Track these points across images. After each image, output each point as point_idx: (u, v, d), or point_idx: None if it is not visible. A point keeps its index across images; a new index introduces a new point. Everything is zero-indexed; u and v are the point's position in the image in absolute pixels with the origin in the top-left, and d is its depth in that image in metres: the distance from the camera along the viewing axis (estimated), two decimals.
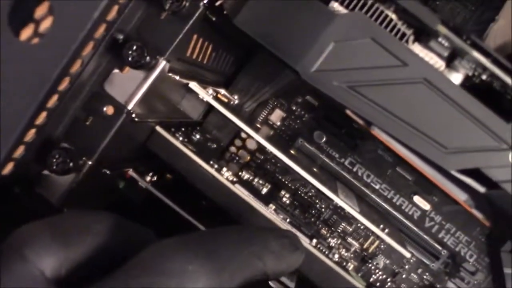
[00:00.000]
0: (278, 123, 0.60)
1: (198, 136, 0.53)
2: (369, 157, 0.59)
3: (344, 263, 0.49)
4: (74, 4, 0.33)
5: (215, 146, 0.58)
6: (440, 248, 0.58)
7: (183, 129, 0.51)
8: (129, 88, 0.39)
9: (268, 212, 0.46)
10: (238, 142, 0.60)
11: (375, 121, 0.36)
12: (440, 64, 0.38)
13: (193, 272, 0.30)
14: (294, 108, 0.60)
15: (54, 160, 0.39)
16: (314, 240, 0.48)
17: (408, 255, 0.46)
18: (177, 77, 0.43)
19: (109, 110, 0.40)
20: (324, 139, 0.59)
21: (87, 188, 0.43)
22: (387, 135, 0.36)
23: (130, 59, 0.37)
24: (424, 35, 0.39)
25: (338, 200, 0.48)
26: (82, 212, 0.34)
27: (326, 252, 0.48)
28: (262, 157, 0.60)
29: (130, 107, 0.39)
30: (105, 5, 0.32)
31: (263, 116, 0.60)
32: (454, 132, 0.36)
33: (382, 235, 0.46)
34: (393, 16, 0.38)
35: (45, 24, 0.34)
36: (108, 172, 0.44)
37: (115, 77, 0.39)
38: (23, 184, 0.41)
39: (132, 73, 0.39)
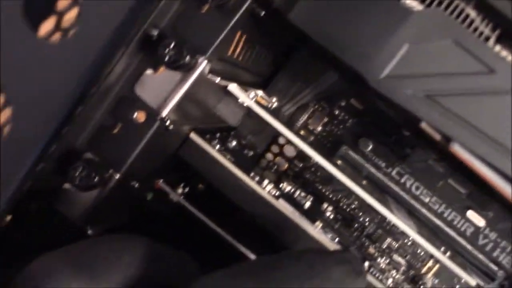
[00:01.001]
0: (319, 129, 0.54)
1: (234, 143, 0.48)
2: (419, 167, 0.54)
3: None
4: None
5: (252, 153, 0.52)
6: (496, 268, 0.52)
7: (218, 135, 0.46)
8: (164, 91, 0.34)
9: (316, 231, 0.41)
10: (275, 149, 0.54)
11: (455, 136, 0.31)
12: None
13: None
14: (337, 113, 0.54)
15: (77, 173, 0.34)
16: (366, 263, 0.42)
17: (473, 283, 0.41)
18: (218, 79, 0.38)
19: (140, 116, 0.35)
20: (370, 147, 0.53)
21: (113, 203, 0.38)
22: (469, 152, 0.31)
23: (166, 58, 0.32)
24: (507, 36, 0.33)
25: (393, 217, 0.42)
26: (110, 238, 0.29)
27: (380, 277, 0.42)
28: (301, 165, 0.55)
29: (164, 113, 0.34)
30: None
31: (302, 120, 0.54)
32: None
33: (444, 258, 0.41)
34: (473, 14, 0.32)
35: (69, 17, 0.29)
36: (136, 185, 0.39)
37: (147, 79, 0.34)
38: (41, 199, 0.36)
39: (168, 75, 0.34)
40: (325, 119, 0.54)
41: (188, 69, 0.33)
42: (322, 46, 0.33)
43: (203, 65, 0.34)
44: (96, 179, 0.34)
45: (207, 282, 0.26)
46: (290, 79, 0.54)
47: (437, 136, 0.31)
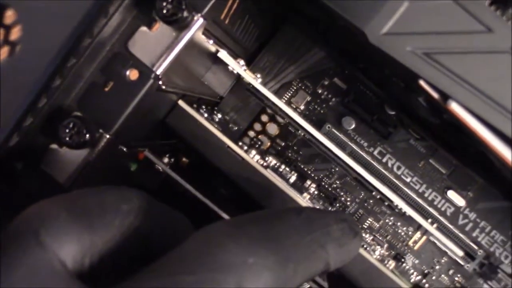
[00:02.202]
0: (302, 107, 0.54)
1: (219, 116, 0.47)
2: (401, 147, 0.54)
3: (385, 262, 0.43)
4: None
5: (236, 128, 0.52)
6: (476, 247, 0.53)
7: (203, 107, 0.46)
8: (158, 49, 0.34)
9: (305, 201, 0.40)
10: (257, 127, 0.54)
11: (453, 94, 0.31)
12: None
13: (254, 265, 0.24)
14: (320, 91, 0.54)
15: (67, 130, 0.32)
16: None
17: (460, 253, 0.41)
18: (211, 41, 0.37)
19: (133, 74, 0.34)
20: (353, 125, 0.53)
21: (100, 167, 0.36)
22: (466, 110, 0.31)
23: (164, 11, 0.31)
24: (501, 1, 0.33)
25: (381, 186, 0.42)
26: (108, 187, 0.28)
27: (367, 249, 0.42)
28: (283, 143, 0.54)
29: (158, 71, 0.33)
30: None
31: (286, 98, 0.54)
32: None
33: (431, 229, 0.41)
34: None
35: None
36: (124, 149, 0.38)
37: (141, 36, 0.33)
38: (27, 159, 0.34)
39: (163, 31, 0.33)
40: (308, 98, 0.54)
41: (184, 25, 0.33)
42: (320, 9, 0.33)
43: (199, 22, 0.33)
44: (87, 137, 0.33)
45: (211, 229, 0.26)
46: (274, 57, 0.53)
47: (435, 94, 0.31)
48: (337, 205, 0.53)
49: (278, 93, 0.54)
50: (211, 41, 0.37)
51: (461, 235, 0.52)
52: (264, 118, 0.54)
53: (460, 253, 0.41)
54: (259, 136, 0.54)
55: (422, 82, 0.31)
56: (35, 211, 0.25)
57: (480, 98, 0.31)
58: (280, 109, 0.43)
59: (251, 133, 0.54)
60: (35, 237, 0.24)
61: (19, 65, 0.20)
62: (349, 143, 0.52)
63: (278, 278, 0.24)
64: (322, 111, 0.54)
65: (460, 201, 0.53)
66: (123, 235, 0.26)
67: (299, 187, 0.50)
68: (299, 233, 0.27)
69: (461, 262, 0.52)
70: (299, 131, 0.48)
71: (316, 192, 0.51)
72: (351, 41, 0.34)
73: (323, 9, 0.32)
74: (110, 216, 0.26)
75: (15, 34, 0.24)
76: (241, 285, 0.23)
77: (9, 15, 0.23)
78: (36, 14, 0.26)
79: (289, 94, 0.54)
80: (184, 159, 0.47)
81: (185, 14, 0.32)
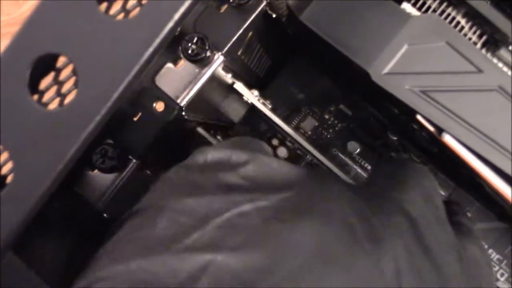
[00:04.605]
0: (310, 132, 0.58)
1: None
2: None
3: None
4: None
5: None
6: None
7: (218, 132, 0.49)
8: (182, 83, 0.37)
9: None
10: None
11: (447, 127, 0.34)
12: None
13: None
14: (327, 117, 0.58)
15: (100, 156, 0.36)
16: None
17: None
18: (229, 75, 0.41)
19: (159, 106, 0.38)
20: (358, 150, 0.57)
21: (128, 189, 0.40)
22: (459, 143, 0.34)
23: (190, 51, 0.35)
24: (492, 43, 0.37)
25: None
26: None
27: None
28: None
29: (182, 103, 0.37)
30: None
31: (295, 123, 0.58)
32: None
33: None
34: (463, 21, 0.37)
35: None
36: (149, 173, 0.41)
37: (167, 72, 0.37)
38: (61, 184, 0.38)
39: (187, 67, 0.37)
40: (316, 123, 0.58)
41: (206, 63, 0.37)
42: (326, 48, 0.36)
43: (220, 59, 0.37)
44: (117, 161, 0.36)
45: None
46: (284, 85, 0.57)
47: (431, 128, 0.35)
48: None
49: (288, 118, 0.58)
50: (229, 75, 0.41)
51: None
52: (275, 142, 0.57)
53: None
54: None
55: (419, 117, 0.35)
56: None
57: (471, 132, 0.34)
58: (289, 135, 0.47)
59: None
60: None
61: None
62: (354, 166, 0.56)
63: None
64: (328, 136, 0.58)
65: None
66: None
67: None
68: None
69: None
70: (308, 156, 0.52)
71: None
72: (355, 76, 0.37)
73: (331, 49, 0.36)
74: None
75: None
76: None
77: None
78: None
79: (298, 119, 0.58)
80: None
81: (208, 53, 0.35)
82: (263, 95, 0.55)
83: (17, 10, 0.67)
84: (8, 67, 0.24)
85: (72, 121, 0.23)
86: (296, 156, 0.57)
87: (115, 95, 0.23)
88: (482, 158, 0.35)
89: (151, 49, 0.23)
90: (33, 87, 0.24)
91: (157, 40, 0.23)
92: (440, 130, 0.35)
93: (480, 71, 0.34)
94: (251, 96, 0.44)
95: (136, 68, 0.23)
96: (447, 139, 0.35)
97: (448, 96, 0.34)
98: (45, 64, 0.25)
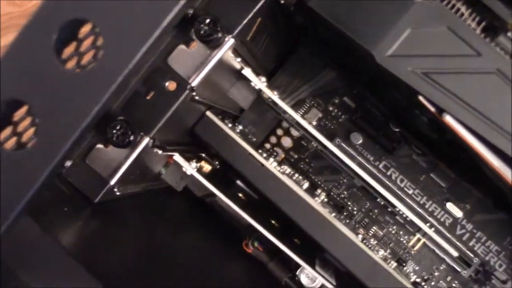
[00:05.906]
0: (314, 123, 0.59)
1: (241, 127, 0.52)
2: (404, 161, 0.59)
3: (388, 261, 0.48)
4: None
5: (254, 140, 0.57)
6: (472, 255, 0.57)
7: (226, 118, 0.51)
8: (194, 64, 0.39)
9: (317, 204, 0.45)
10: (273, 139, 0.59)
11: (447, 108, 0.36)
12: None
13: None
14: (331, 109, 0.59)
15: (115, 131, 0.38)
16: (360, 236, 0.47)
17: (455, 253, 0.46)
18: (239, 59, 0.42)
19: (171, 85, 0.39)
20: (361, 141, 0.58)
21: (138, 167, 0.42)
22: (458, 122, 0.36)
23: (202, 32, 0.37)
24: (491, 30, 0.39)
25: (384, 192, 0.47)
26: None
27: (372, 248, 0.47)
28: (296, 156, 0.60)
29: (193, 84, 0.39)
30: None
31: (299, 114, 0.59)
32: None
33: (432, 234, 0.46)
34: (463, 8, 0.38)
35: None
36: (159, 152, 0.43)
37: (180, 53, 0.39)
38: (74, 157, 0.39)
39: (199, 49, 0.39)
40: (320, 114, 0.59)
41: (217, 44, 0.38)
42: (332, 33, 0.38)
43: (230, 42, 0.38)
44: (131, 137, 0.38)
45: None
46: (289, 76, 0.59)
47: (432, 108, 0.36)
48: (345, 213, 0.58)
49: (292, 109, 0.59)
50: (239, 59, 0.42)
51: (458, 243, 0.57)
52: (279, 131, 0.59)
53: (457, 260, 0.46)
54: (275, 148, 0.59)
55: (421, 98, 0.36)
56: None
57: (470, 112, 0.36)
58: (296, 122, 0.49)
59: (267, 145, 0.59)
60: None
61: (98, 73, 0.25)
62: (357, 156, 0.57)
63: None
64: (332, 127, 0.59)
65: (458, 213, 0.58)
66: None
67: (311, 194, 0.55)
68: None
69: (458, 269, 0.57)
70: (312, 143, 0.54)
71: (325, 200, 0.56)
72: (359, 62, 0.39)
73: (337, 33, 0.38)
74: None
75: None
76: None
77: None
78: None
79: (303, 111, 0.59)
80: (205, 167, 0.52)
81: (219, 35, 0.37)
82: (268, 85, 0.57)
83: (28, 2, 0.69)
84: (36, 32, 0.25)
85: (97, 81, 0.25)
86: (300, 145, 0.59)
87: (137, 57, 0.24)
88: (480, 137, 0.36)
89: (171, 15, 0.24)
90: (58, 52, 0.26)
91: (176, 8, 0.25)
92: (440, 110, 0.36)
93: (479, 54, 0.36)
94: (259, 82, 0.45)
95: (156, 33, 0.25)
96: (448, 119, 0.36)
97: (448, 78, 0.36)
98: (70, 31, 0.26)
